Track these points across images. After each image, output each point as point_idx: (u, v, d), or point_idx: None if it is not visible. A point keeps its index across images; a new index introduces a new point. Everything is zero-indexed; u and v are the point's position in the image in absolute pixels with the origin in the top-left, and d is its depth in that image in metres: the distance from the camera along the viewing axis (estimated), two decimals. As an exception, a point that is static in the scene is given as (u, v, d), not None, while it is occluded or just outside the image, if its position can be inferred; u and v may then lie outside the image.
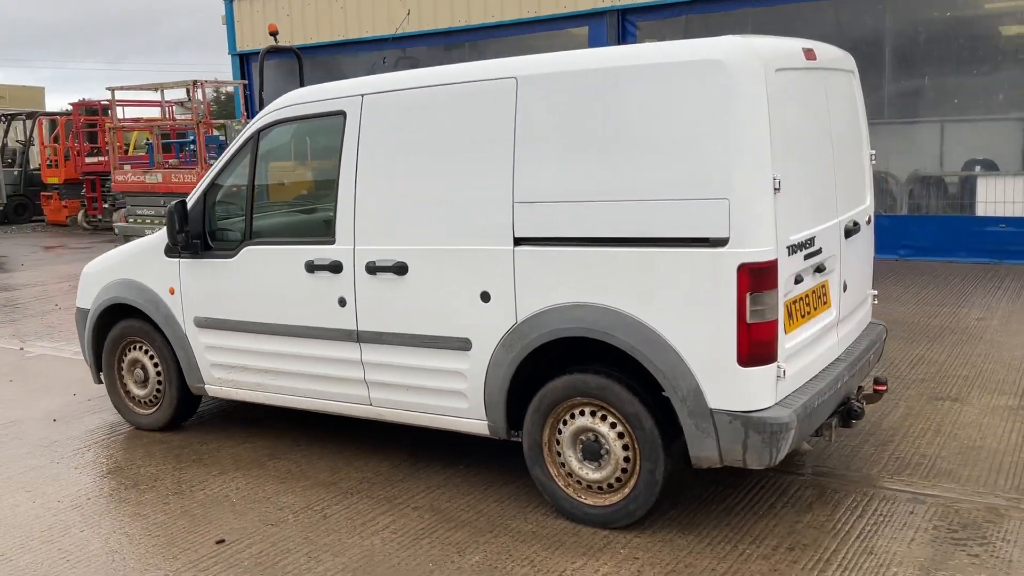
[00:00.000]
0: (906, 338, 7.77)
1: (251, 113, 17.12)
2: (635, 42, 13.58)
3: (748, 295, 3.95)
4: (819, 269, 4.48)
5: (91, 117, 21.57)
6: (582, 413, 4.44)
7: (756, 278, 3.95)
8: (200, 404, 6.33)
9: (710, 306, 4.01)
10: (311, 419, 5.86)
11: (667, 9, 13.25)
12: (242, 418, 6.38)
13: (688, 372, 4.09)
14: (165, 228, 5.65)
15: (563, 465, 4.53)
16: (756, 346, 4.00)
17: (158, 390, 6.13)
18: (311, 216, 5.23)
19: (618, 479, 4.39)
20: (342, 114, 5.05)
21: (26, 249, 17.81)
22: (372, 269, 4.91)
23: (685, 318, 4.09)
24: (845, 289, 4.81)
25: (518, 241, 4.47)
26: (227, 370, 5.70)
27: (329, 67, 16.33)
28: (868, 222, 5.23)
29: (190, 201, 5.65)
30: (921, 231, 11.73)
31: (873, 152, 5.39)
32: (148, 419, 6.23)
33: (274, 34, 14.81)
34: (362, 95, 5.00)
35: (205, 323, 5.71)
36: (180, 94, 18.91)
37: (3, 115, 24.92)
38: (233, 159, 5.55)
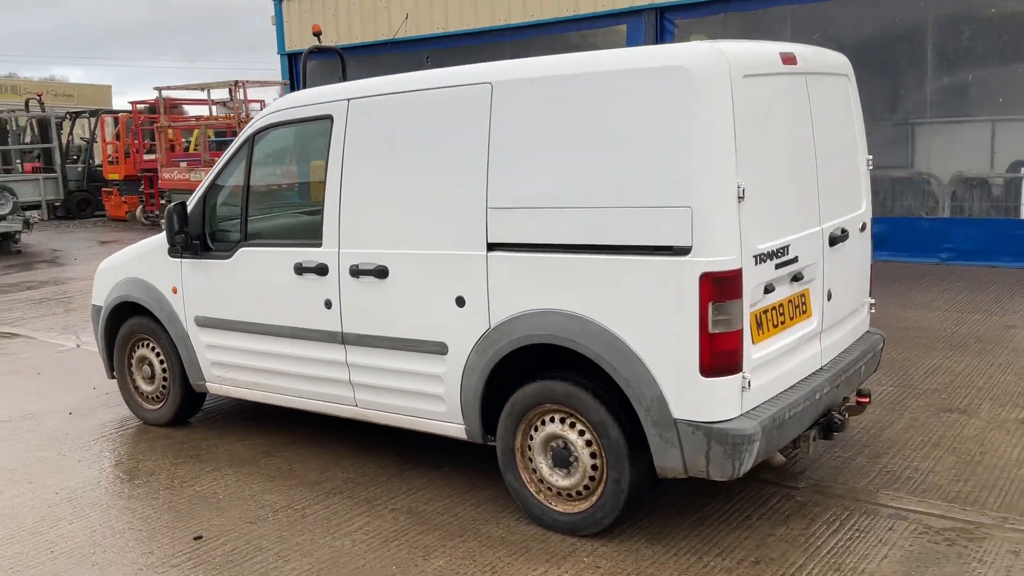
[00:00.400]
0: (928, 346, 7.56)
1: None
2: (673, 40, 13.44)
3: (710, 304, 3.89)
4: (796, 278, 4.39)
5: (152, 115, 22.14)
6: (552, 420, 4.43)
7: (718, 287, 3.89)
8: (205, 401, 6.47)
9: (673, 315, 3.96)
10: (312, 418, 5.93)
11: (705, 7, 13.08)
12: (248, 415, 6.50)
13: (652, 381, 4.05)
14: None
15: (534, 471, 4.53)
16: (718, 356, 3.94)
17: (164, 386, 6.29)
18: (301, 219, 5.31)
19: (586, 487, 4.37)
20: (329, 118, 5.11)
21: (83, 243, 18.37)
22: (355, 272, 4.96)
23: (649, 326, 4.05)
24: (830, 298, 4.70)
25: (491, 247, 4.48)
26: (225, 368, 5.82)
27: (372, 67, 16.47)
28: (862, 229, 5.10)
29: (191, 202, 5.78)
30: (963, 234, 11.38)
31: (870, 157, 5.26)
32: (155, 414, 6.40)
33: (318, 34, 14.98)
34: (348, 99, 5.05)
35: (205, 322, 5.84)
36: (225, 94, 19.28)
37: (68, 113, 25.75)
38: (231, 161, 5.66)
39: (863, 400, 4.71)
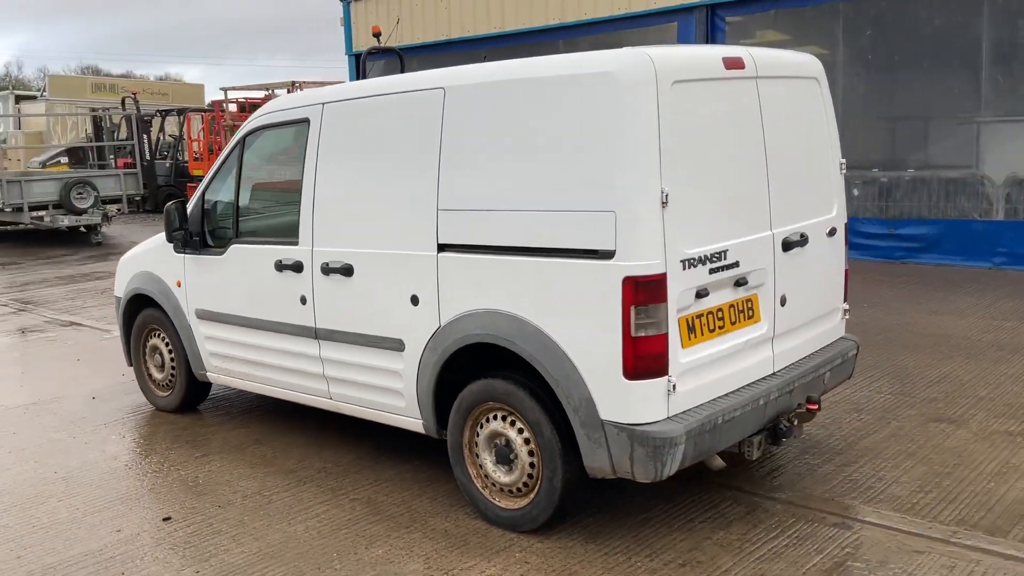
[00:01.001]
0: (944, 354, 7.35)
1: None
2: (724, 38, 13.28)
3: (633, 308, 3.94)
4: (740, 283, 4.38)
5: (242, 114, 22.93)
6: (495, 417, 4.53)
7: (641, 292, 3.93)
8: (211, 390, 6.78)
9: (599, 318, 4.02)
10: (307, 408, 6.16)
11: (756, 4, 12.87)
12: (251, 404, 6.78)
13: (581, 382, 4.11)
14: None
15: (480, 467, 4.64)
16: (642, 360, 3.98)
17: (172, 375, 6.62)
18: (284, 218, 5.52)
19: (525, 484, 4.46)
20: (307, 121, 5.32)
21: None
22: (326, 270, 5.16)
23: (579, 329, 4.11)
24: (784, 304, 4.66)
25: (441, 247, 4.60)
26: (222, 359, 6.10)
27: (431, 67, 16.73)
28: (831, 234, 5.04)
29: (193, 199, 6.08)
30: (1018, 238, 10.93)
31: (843, 161, 5.18)
32: (164, 401, 6.74)
33: (377, 35, 15.27)
34: (323, 104, 5.25)
35: (203, 314, 6.13)
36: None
37: (158, 111, 26.88)
38: (226, 161, 5.93)
39: (812, 407, 4.65)
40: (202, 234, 6.04)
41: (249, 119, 5.86)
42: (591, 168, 4.03)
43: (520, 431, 4.43)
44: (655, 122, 3.92)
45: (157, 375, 6.77)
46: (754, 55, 4.53)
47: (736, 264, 4.33)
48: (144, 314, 6.70)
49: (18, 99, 33.25)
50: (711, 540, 4.35)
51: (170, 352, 6.57)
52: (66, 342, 9.27)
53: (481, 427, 4.60)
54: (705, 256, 4.16)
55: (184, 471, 5.56)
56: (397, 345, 4.86)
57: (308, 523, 4.74)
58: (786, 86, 4.77)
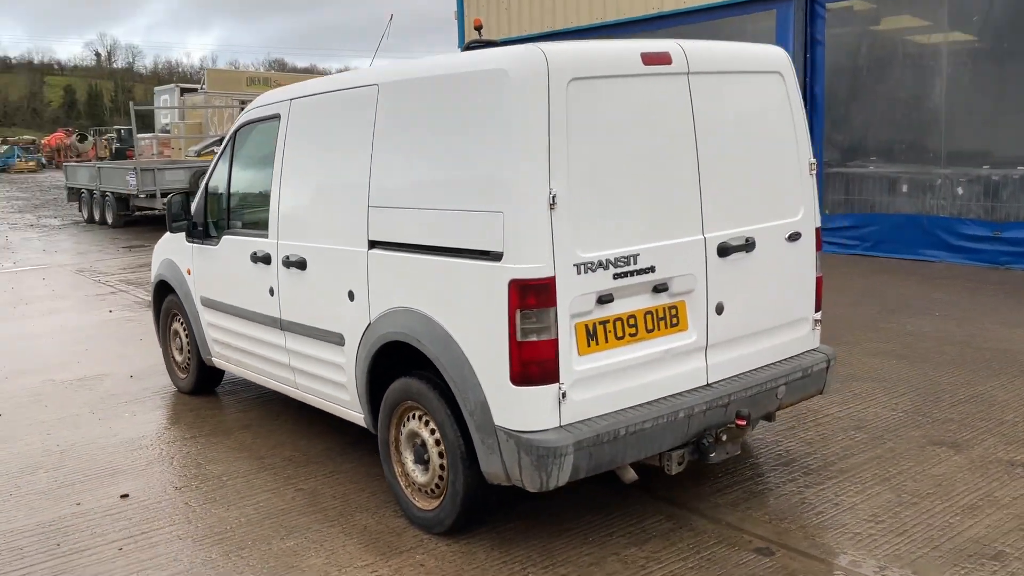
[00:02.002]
0: (992, 372, 6.73)
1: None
2: (824, 26, 12.59)
3: (519, 312, 3.81)
4: (659, 289, 4.16)
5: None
6: (414, 417, 4.50)
7: (527, 295, 3.80)
8: (225, 374, 7.05)
9: (491, 321, 3.92)
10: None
11: (857, -11, 12.14)
12: (265, 390, 7.00)
13: (477, 386, 4.02)
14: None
15: (403, 465, 4.62)
16: (528, 366, 3.85)
17: (188, 357, 6.94)
18: (260, 211, 5.66)
19: (437, 485, 4.41)
20: (278, 117, 5.44)
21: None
22: (287, 263, 5.27)
23: (475, 331, 4.02)
24: (720, 312, 4.39)
25: (371, 244, 4.61)
26: (221, 345, 6.34)
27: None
28: (793, 238, 4.70)
29: (200, 190, 6.33)
30: None
31: (813, 161, 4.82)
32: (183, 383, 7.07)
33: (479, 28, 15.42)
34: (291, 99, 5.35)
35: (205, 302, 6.39)
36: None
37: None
38: (222, 154, 6.15)
39: (740, 423, 4.35)
40: (205, 224, 6.29)
41: (242, 113, 6.05)
42: (484, 167, 3.93)
43: (432, 432, 4.39)
44: (545, 121, 3.77)
45: (178, 357, 7.11)
46: (687, 49, 4.27)
47: (651, 269, 4.11)
48: (168, 299, 7.05)
49: (183, 92, 35.50)
50: (617, 556, 4.17)
51: (187, 336, 6.88)
52: (140, 323, 9.85)
53: (403, 425, 4.58)
54: (607, 260, 3.96)
55: (167, 450, 5.83)
56: (339, 339, 4.90)
57: (245, 510, 4.87)
58: (735, 81, 4.48)
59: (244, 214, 5.96)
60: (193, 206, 6.37)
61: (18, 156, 59.88)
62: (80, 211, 23.59)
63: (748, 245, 4.46)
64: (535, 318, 3.82)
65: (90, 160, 43.49)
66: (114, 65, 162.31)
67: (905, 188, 11.97)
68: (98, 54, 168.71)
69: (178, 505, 4.97)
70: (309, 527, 4.62)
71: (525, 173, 3.78)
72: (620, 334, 4.09)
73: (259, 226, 5.63)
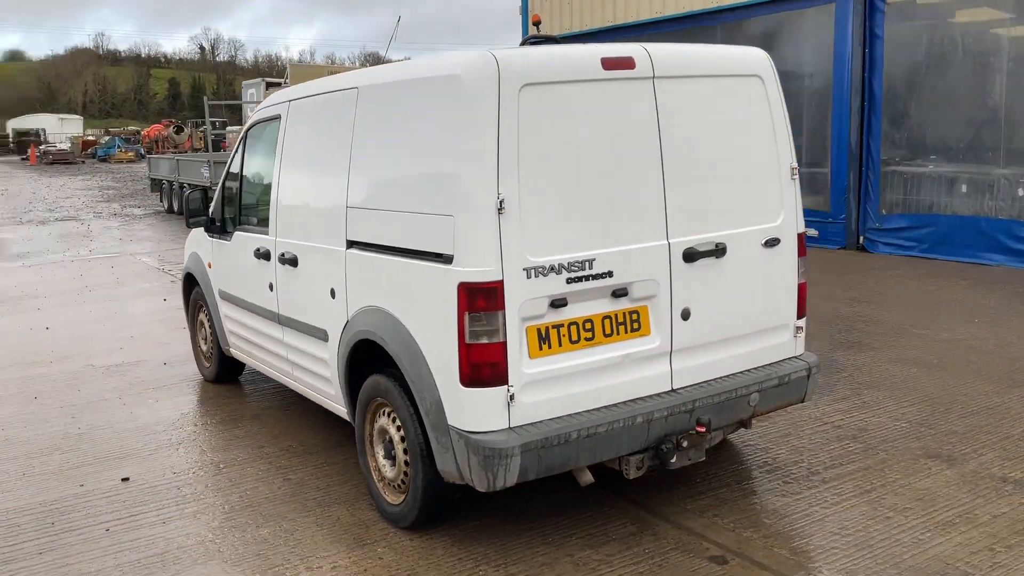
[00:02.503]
0: (1012, 381, 6.51)
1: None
2: (883, 19, 12.22)
3: (467, 315, 3.88)
4: (619, 293, 4.16)
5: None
6: (383, 413, 4.61)
7: (475, 298, 3.86)
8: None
9: (444, 322, 3.99)
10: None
11: (918, -18, 11.74)
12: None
13: (433, 385, 4.10)
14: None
15: (376, 459, 4.73)
16: (476, 368, 3.91)
17: (212, 347, 7.20)
18: (264, 208, 5.84)
19: (403, 481, 4.51)
20: (279, 117, 5.61)
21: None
22: (282, 260, 5.44)
23: (431, 332, 4.10)
24: (687, 318, 4.37)
25: (349, 244, 4.73)
26: (235, 337, 6.57)
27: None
28: (770, 244, 4.63)
29: (219, 186, 6.57)
30: None
31: (795, 166, 4.74)
32: (207, 372, 7.35)
33: (537, 23, 15.44)
34: (290, 101, 5.51)
35: (221, 294, 6.63)
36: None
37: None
38: (236, 151, 6.37)
39: (700, 429, 4.32)
40: (222, 220, 6.52)
41: (254, 112, 6.25)
42: (439, 171, 4.01)
43: (398, 428, 4.48)
44: (495, 126, 3.82)
45: (203, 347, 7.38)
46: (653, 54, 4.26)
47: (608, 274, 4.12)
48: (194, 291, 7.33)
49: (268, 85, 36.49)
50: (571, 558, 4.20)
51: (210, 326, 7.15)
52: (187, 311, 10.23)
53: (376, 421, 4.69)
54: (560, 265, 3.99)
55: (175, 436, 6.08)
56: (324, 335, 5.04)
57: (231, 498, 5.05)
58: (709, 85, 4.44)
59: (251, 211, 6.15)
60: (212, 202, 6.61)
61: (118, 146, 62.51)
62: (161, 201, 24.51)
63: (718, 251, 4.42)
64: (484, 321, 3.87)
65: (186, 151, 45.08)
66: (217, 59, 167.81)
67: (964, 188, 11.55)
68: (202, 48, 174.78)
69: (171, 491, 5.19)
70: (285, 516, 4.77)
71: (473, 178, 3.84)
72: (575, 338, 4.11)
73: (262, 223, 5.82)
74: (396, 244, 4.31)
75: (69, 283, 12.59)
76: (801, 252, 4.82)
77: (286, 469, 5.42)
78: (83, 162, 58.33)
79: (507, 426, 3.96)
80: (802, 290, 4.85)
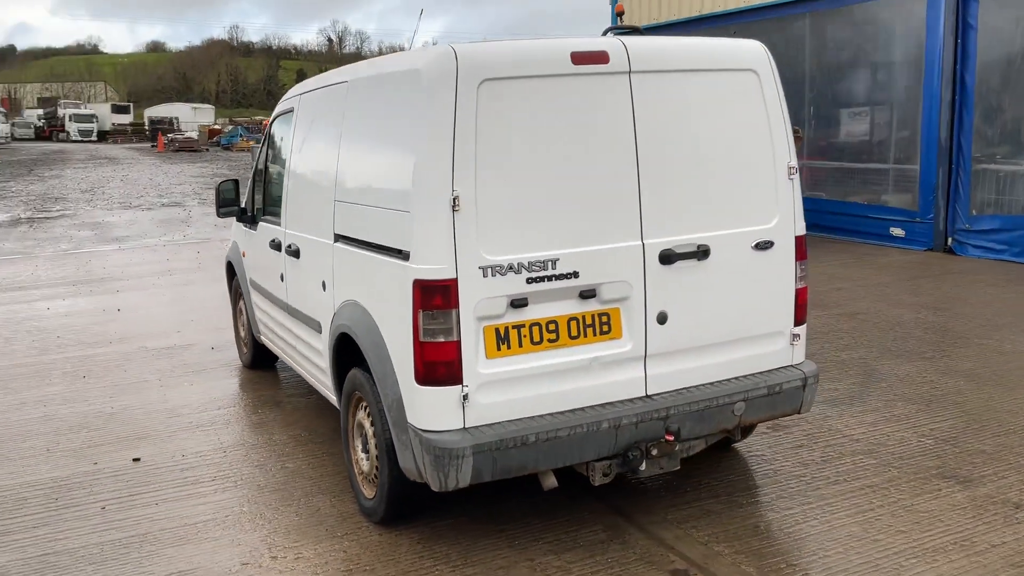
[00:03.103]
0: (1069, 399, 6.03)
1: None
2: (977, 9, 11.51)
3: (421, 313, 3.84)
4: (587, 295, 4.05)
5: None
6: (361, 406, 4.62)
7: (430, 296, 3.82)
8: (280, 351, 7.43)
9: (403, 319, 3.97)
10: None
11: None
12: (313, 369, 7.34)
13: (396, 382, 4.09)
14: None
15: (356, 452, 4.75)
16: (429, 366, 3.87)
17: (248, 333, 7.39)
18: (279, 200, 5.92)
19: (375, 475, 4.51)
20: (292, 111, 5.69)
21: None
22: (289, 251, 5.52)
23: (395, 328, 4.09)
24: (663, 321, 4.21)
25: (336, 237, 4.75)
26: (262, 324, 6.72)
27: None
28: (763, 247, 4.42)
29: (250, 177, 6.73)
30: None
31: (793, 165, 4.50)
32: (244, 358, 7.54)
33: (620, 14, 15.22)
34: (301, 94, 5.58)
35: (251, 282, 6.79)
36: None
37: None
38: (262, 143, 6.49)
39: (668, 438, 4.15)
40: (253, 210, 6.67)
41: (279, 104, 6.35)
42: (401, 166, 3.97)
43: (372, 424, 4.49)
44: (451, 121, 3.76)
45: (242, 333, 7.58)
46: (631, 47, 4.11)
47: (574, 274, 4.01)
48: (235, 279, 7.52)
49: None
50: (532, 562, 4.11)
51: (246, 313, 7.32)
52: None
53: (356, 414, 4.71)
54: (519, 264, 3.90)
55: (195, 419, 6.26)
56: (318, 326, 5.09)
57: (226, 484, 5.16)
58: (695, 80, 4.26)
59: (270, 202, 6.27)
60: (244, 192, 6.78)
61: (240, 135, 64.89)
62: (264, 188, 25.26)
63: (700, 253, 4.25)
64: (438, 319, 3.83)
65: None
66: (344, 51, 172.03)
67: (1060, 189, 10.78)
68: (330, 40, 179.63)
69: (175, 473, 5.35)
70: (269, 505, 4.85)
71: (428, 173, 3.79)
72: (537, 339, 4.02)
73: (277, 214, 5.92)
74: (368, 239, 4.31)
75: (154, 267, 13.13)
76: (800, 256, 4.58)
77: (286, 457, 5.51)
78: (207, 150, 60.79)
79: (461, 426, 3.91)
80: (801, 296, 4.61)
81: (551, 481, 4.18)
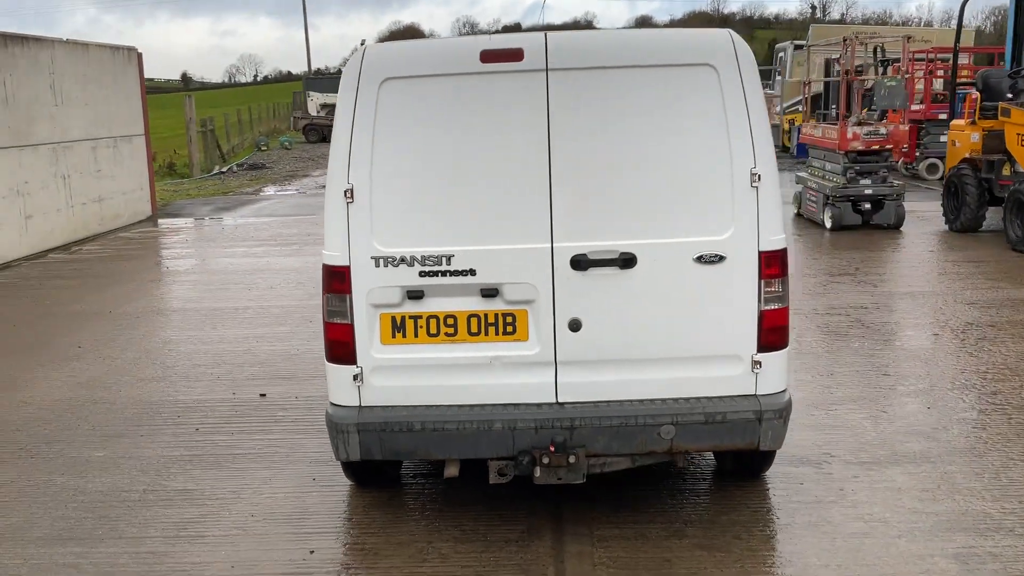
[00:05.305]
0: None
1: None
2: None
3: (326, 295, 4.19)
4: (489, 293, 4.06)
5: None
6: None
7: (330, 280, 4.17)
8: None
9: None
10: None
11: None
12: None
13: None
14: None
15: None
16: (331, 344, 4.23)
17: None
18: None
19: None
20: None
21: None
22: None
23: None
24: (576, 329, 4.05)
25: None
26: None
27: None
28: (710, 260, 4.00)
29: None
30: None
31: (757, 172, 3.96)
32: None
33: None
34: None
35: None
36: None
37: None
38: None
39: (551, 449, 3.96)
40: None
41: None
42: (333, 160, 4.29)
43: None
44: (350, 117, 4.03)
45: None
46: (552, 44, 3.96)
47: (470, 272, 4.04)
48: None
49: (796, 47, 35.23)
50: (429, 544, 4.26)
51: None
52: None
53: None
54: (412, 257, 4.04)
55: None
56: None
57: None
58: (632, 77, 3.97)
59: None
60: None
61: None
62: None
63: (621, 261, 4.00)
64: (334, 302, 4.16)
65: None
66: (827, 18, 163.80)
67: None
68: (813, 7, 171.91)
69: (270, 411, 6.16)
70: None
71: (331, 166, 4.12)
72: (434, 331, 4.14)
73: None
74: None
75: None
76: (771, 272, 4.06)
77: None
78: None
79: (356, 404, 4.19)
80: (769, 318, 4.08)
81: (452, 470, 4.28)
